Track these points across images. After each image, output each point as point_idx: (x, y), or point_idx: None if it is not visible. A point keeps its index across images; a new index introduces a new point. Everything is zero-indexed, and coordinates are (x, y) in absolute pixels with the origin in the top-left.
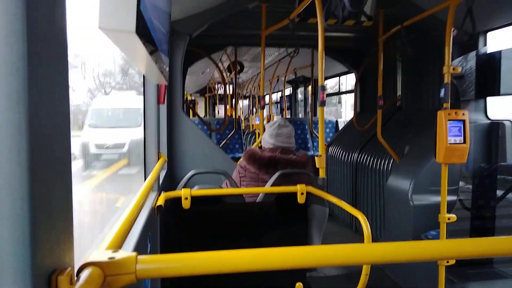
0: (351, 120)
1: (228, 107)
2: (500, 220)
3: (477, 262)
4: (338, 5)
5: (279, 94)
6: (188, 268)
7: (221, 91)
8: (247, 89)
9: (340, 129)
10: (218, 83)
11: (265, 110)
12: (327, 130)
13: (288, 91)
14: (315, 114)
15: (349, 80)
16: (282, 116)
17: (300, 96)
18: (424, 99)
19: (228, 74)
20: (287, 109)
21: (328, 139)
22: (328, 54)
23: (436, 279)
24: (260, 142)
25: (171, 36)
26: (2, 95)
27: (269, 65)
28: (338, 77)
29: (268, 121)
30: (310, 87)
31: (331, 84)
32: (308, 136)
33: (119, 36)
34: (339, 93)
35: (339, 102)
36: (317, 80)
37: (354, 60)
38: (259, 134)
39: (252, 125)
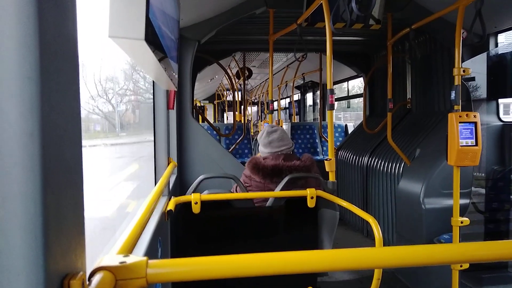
0: (361, 124)
1: (237, 112)
2: None
3: (492, 266)
4: (346, 9)
5: (288, 99)
6: (198, 272)
7: (230, 98)
8: (255, 95)
9: (349, 132)
10: (227, 89)
11: (274, 116)
12: (336, 134)
13: (296, 96)
14: (324, 118)
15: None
16: (290, 121)
17: (309, 101)
18: (435, 101)
19: (236, 80)
20: (296, 114)
21: (338, 143)
22: (336, 58)
23: (450, 284)
24: None
25: (180, 43)
26: (15, 103)
27: (277, 70)
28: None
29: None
30: (318, 92)
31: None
32: (318, 140)
33: (129, 44)
34: (348, 97)
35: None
36: (326, 84)
37: (362, 64)
38: None
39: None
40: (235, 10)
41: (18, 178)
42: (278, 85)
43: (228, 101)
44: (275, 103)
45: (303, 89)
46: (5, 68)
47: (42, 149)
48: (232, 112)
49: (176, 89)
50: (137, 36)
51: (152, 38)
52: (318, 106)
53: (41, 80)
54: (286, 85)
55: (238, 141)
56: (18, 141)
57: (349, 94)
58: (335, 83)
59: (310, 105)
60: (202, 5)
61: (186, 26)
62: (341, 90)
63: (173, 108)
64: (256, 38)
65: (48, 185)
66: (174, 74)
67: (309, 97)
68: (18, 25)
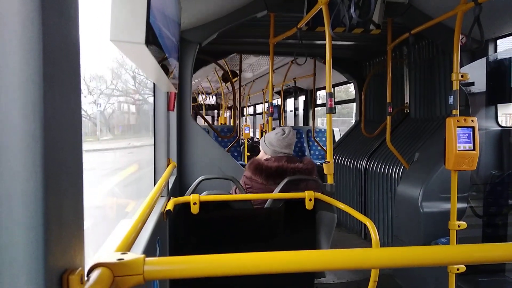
0: (352, 128)
1: (221, 115)
2: None
3: (489, 270)
4: (346, 14)
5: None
6: (195, 270)
7: (208, 101)
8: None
9: (335, 138)
10: (207, 93)
11: (258, 119)
12: (324, 139)
13: (276, 101)
14: (307, 123)
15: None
16: (279, 125)
17: (289, 106)
18: (434, 106)
19: (223, 83)
20: (276, 119)
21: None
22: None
23: (447, 287)
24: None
25: (181, 45)
26: (19, 106)
27: (260, 75)
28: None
29: (262, 130)
30: (312, 97)
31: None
32: (305, 144)
33: (130, 47)
34: (341, 102)
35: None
36: (312, 90)
37: (354, 70)
38: (252, 144)
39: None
40: (236, 13)
41: (21, 178)
42: (262, 89)
43: (207, 105)
44: (259, 107)
45: (284, 95)
46: (9, 72)
47: (44, 150)
48: (209, 117)
49: (176, 91)
50: (138, 40)
51: (152, 41)
52: (311, 111)
53: (44, 83)
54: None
55: (233, 142)
56: (21, 142)
57: (337, 100)
58: (320, 89)
59: (290, 110)
60: (203, 8)
61: (187, 29)
62: (347, 94)
63: (173, 110)
64: (257, 41)
65: (49, 184)
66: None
67: (290, 102)
68: (22, 30)
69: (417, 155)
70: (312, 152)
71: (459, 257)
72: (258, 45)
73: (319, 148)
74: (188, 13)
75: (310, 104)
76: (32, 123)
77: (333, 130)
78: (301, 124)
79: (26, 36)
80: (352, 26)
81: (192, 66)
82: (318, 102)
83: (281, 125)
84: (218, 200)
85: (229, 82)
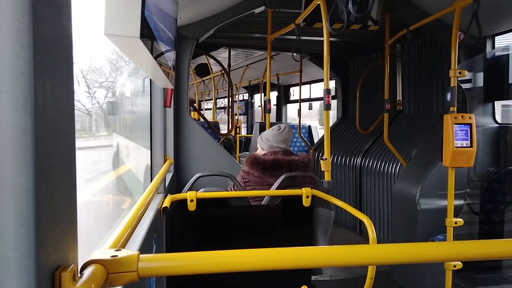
0: (335, 125)
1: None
2: (510, 224)
3: (485, 267)
4: (344, 10)
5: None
6: (190, 267)
7: None
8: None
9: (313, 134)
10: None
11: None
12: (302, 135)
13: (246, 95)
14: (280, 119)
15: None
16: (259, 121)
17: (257, 101)
18: (430, 102)
19: (196, 77)
20: (243, 114)
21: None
22: (314, 61)
23: (443, 284)
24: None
25: (178, 41)
26: (9, 98)
27: (232, 69)
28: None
29: (236, 126)
30: (298, 93)
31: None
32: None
33: (125, 42)
34: (310, 99)
35: None
36: (285, 86)
37: (338, 67)
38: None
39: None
40: (233, 9)
41: (11, 172)
42: (236, 84)
43: None
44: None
45: (251, 90)
46: None
47: (35, 143)
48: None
49: (173, 88)
50: (133, 34)
51: (147, 36)
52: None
53: (34, 76)
54: (250, 84)
55: (223, 138)
56: (12, 136)
57: (312, 97)
58: (294, 85)
59: (258, 106)
60: (200, 4)
61: (184, 25)
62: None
63: (170, 106)
64: (252, 36)
65: (41, 179)
66: (171, 72)
67: (257, 98)
68: (12, 21)
69: (415, 152)
70: (291, 148)
71: (456, 254)
72: (253, 40)
73: (298, 144)
74: (185, 9)
75: (283, 99)
76: (23, 116)
77: (309, 126)
78: (272, 120)
79: (16, 26)
80: (350, 22)
81: (189, 62)
82: (292, 98)
83: (263, 120)
84: (215, 197)
85: (209, 76)
